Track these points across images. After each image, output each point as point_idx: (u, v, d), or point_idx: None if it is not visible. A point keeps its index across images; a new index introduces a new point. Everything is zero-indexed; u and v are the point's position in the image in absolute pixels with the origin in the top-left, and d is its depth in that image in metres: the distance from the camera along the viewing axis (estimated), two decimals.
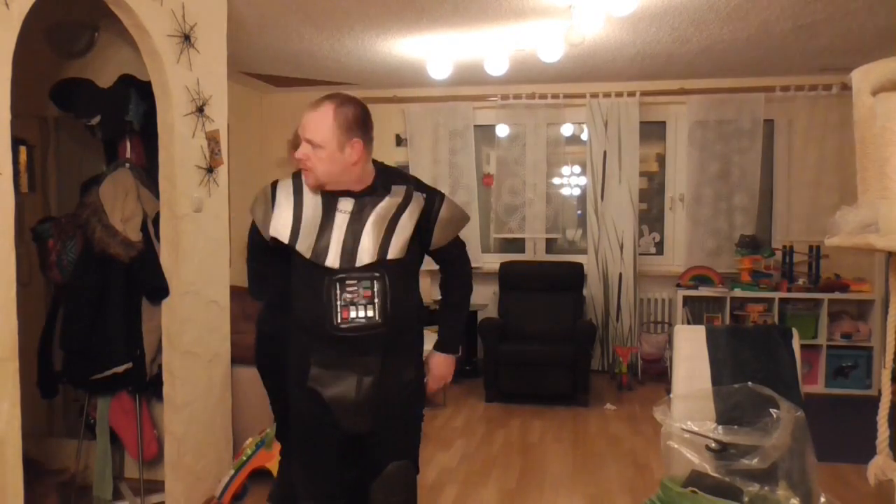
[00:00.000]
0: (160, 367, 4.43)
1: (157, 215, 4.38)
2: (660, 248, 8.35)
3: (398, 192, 2.82)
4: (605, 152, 8.01)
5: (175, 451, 4.40)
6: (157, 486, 4.59)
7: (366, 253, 2.72)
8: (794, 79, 7.67)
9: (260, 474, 4.59)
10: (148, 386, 4.49)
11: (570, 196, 8.62)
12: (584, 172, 8.33)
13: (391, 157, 8.21)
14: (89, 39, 4.79)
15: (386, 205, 2.78)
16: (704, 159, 7.94)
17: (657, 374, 7.80)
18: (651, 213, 8.41)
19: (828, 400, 7.10)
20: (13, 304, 3.09)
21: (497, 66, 6.28)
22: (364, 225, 2.75)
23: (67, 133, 5.00)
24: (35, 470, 4.72)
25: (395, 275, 2.76)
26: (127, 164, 4.42)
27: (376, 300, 2.72)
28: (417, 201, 2.84)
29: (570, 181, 8.55)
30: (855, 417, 6.23)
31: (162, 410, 4.46)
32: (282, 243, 2.79)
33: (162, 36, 4.13)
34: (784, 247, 7.65)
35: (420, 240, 2.88)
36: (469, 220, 3.12)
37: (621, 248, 7.98)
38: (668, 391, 3.57)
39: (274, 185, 2.90)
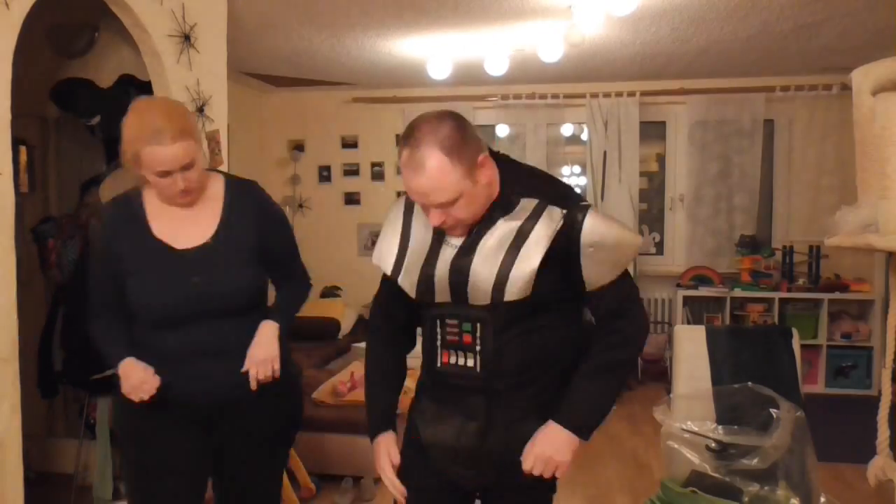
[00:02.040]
0: None
1: None
2: (660, 248, 8.34)
3: (524, 207, 2.14)
4: (604, 152, 8.00)
5: None
6: None
7: (478, 292, 2.12)
8: (795, 79, 7.66)
9: None
10: None
11: None
12: (583, 172, 8.33)
13: (391, 157, 8.22)
14: (89, 39, 4.79)
15: (502, 231, 2.13)
16: (704, 159, 7.93)
17: (657, 373, 7.79)
18: (651, 213, 8.41)
19: (828, 400, 7.09)
20: (13, 305, 3.09)
21: (497, 66, 6.28)
22: (472, 258, 2.13)
23: (67, 133, 5.00)
24: (35, 470, 4.72)
25: (514, 317, 2.15)
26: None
27: (478, 348, 2.17)
28: (551, 217, 2.11)
29: (570, 181, 8.54)
30: (855, 417, 6.21)
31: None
32: (385, 275, 2.33)
33: (162, 36, 4.12)
34: (784, 247, 7.65)
35: (565, 270, 2.16)
36: (638, 246, 2.34)
37: None
38: (668, 391, 3.58)
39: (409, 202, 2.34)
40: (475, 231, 2.16)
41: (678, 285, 7.78)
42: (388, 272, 2.28)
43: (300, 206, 8.55)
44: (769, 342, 3.52)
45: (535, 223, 2.11)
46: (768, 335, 3.64)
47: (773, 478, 2.99)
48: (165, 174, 2.46)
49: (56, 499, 4.62)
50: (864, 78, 1.95)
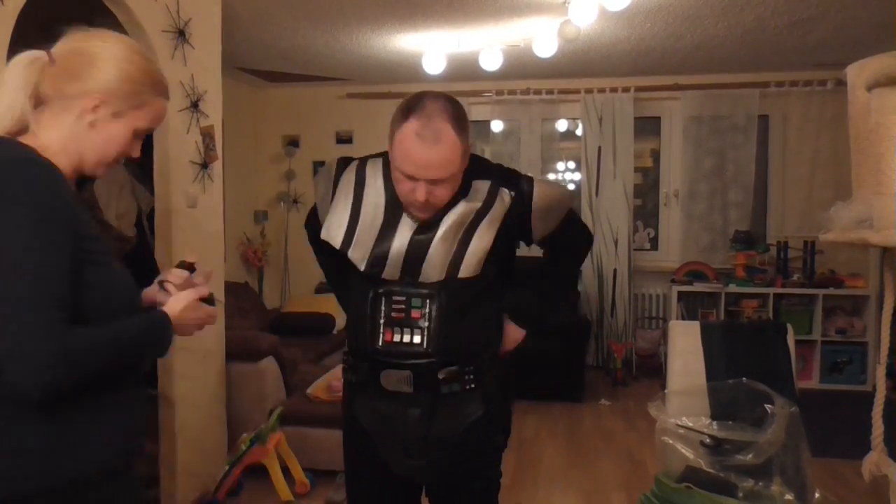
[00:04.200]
0: (154, 362, 4.42)
1: (152, 211, 4.37)
2: (654, 243, 8.35)
3: (479, 190, 2.23)
4: (599, 148, 8.01)
5: (170, 447, 4.40)
6: (151, 482, 4.58)
7: (433, 269, 2.18)
8: (789, 74, 7.67)
9: (255, 470, 4.59)
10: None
11: None
12: (578, 168, 8.34)
13: None
14: None
15: (462, 210, 2.20)
16: (699, 155, 7.94)
17: (652, 369, 7.80)
18: (645, 209, 8.41)
19: (822, 395, 7.10)
20: None
21: (491, 62, 6.27)
22: (434, 235, 2.18)
23: None
24: None
25: (459, 295, 2.21)
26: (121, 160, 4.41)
27: (426, 324, 2.18)
28: (502, 201, 2.23)
29: (565, 177, 8.55)
30: (849, 413, 6.21)
31: (156, 406, 4.46)
32: (333, 248, 2.30)
33: (156, 31, 4.12)
34: (779, 242, 7.66)
35: (509, 242, 2.32)
36: (572, 198, 2.45)
37: (616, 243, 7.98)
38: (663, 387, 3.58)
39: (341, 164, 2.38)
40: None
41: (673, 281, 7.79)
42: (338, 246, 2.27)
43: (295, 201, 8.54)
44: (764, 338, 3.52)
45: (491, 205, 2.22)
46: (763, 331, 3.65)
47: (768, 473, 2.99)
48: None
49: None
50: (858, 73, 1.95)
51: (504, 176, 2.31)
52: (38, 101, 1.72)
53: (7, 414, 1.58)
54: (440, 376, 2.21)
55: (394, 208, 2.23)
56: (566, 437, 5.96)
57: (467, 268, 2.19)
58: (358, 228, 2.25)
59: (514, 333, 2.45)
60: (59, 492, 1.61)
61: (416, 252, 2.19)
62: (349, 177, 2.33)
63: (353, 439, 2.42)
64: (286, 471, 4.68)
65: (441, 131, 2.06)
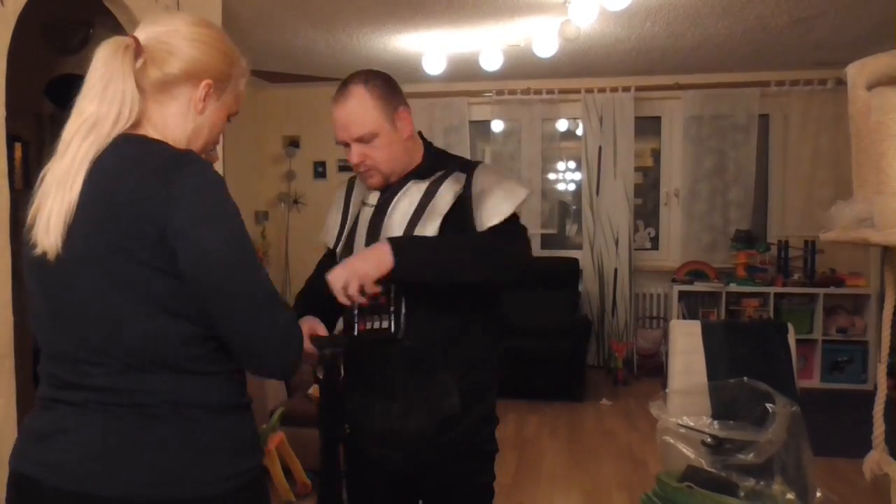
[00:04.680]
0: None
1: None
2: (655, 243, 8.36)
3: (435, 173, 2.28)
4: (600, 147, 8.01)
5: None
6: None
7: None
8: (790, 73, 7.67)
9: None
10: None
11: (565, 191, 8.63)
12: (578, 168, 8.34)
13: None
14: (84, 36, 4.78)
15: (415, 189, 2.25)
16: (699, 154, 7.94)
17: (653, 369, 7.80)
18: (646, 208, 8.42)
19: (823, 394, 7.10)
20: (9, 301, 3.09)
21: (492, 62, 6.28)
22: (385, 217, 2.24)
23: (63, 130, 4.98)
24: None
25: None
26: None
27: (392, 307, 2.14)
28: (456, 180, 2.25)
29: (565, 176, 8.56)
30: (851, 412, 6.19)
31: None
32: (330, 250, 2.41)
33: None
34: (779, 241, 7.67)
35: (466, 224, 2.23)
36: (524, 194, 2.30)
37: (616, 243, 7.98)
38: (664, 386, 3.58)
39: (340, 188, 2.51)
40: (389, 192, 2.28)
41: (673, 280, 7.79)
42: (331, 245, 2.40)
43: (295, 202, 8.54)
44: (765, 337, 3.52)
45: (441, 184, 2.25)
46: (764, 330, 3.65)
47: (769, 472, 2.99)
48: None
49: None
50: (859, 72, 1.95)
51: (466, 163, 2.35)
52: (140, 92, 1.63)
53: (198, 415, 1.58)
54: (325, 351, 2.11)
55: (363, 201, 2.36)
56: (567, 437, 5.97)
57: (421, 230, 2.18)
58: (345, 230, 2.38)
59: (363, 255, 2.15)
60: (242, 490, 1.62)
61: (373, 234, 2.25)
62: (342, 190, 2.49)
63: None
64: (287, 471, 4.68)
65: (350, 91, 2.20)
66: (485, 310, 2.37)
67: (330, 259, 2.39)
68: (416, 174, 2.29)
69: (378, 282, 2.07)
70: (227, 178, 5.04)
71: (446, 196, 2.23)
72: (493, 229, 2.21)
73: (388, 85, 2.25)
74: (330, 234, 2.43)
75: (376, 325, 2.16)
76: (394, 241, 2.09)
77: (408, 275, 2.09)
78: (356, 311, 2.16)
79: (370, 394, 2.27)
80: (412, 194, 2.25)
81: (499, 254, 2.21)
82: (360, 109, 2.19)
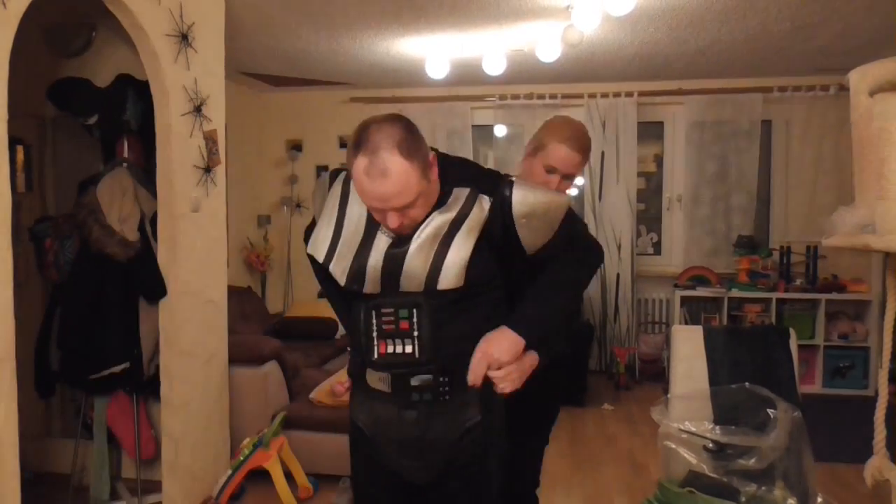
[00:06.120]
0: (157, 367, 4.42)
1: (155, 215, 4.38)
2: (657, 248, 8.35)
3: (458, 197, 2.20)
4: (602, 153, 8.00)
5: (172, 452, 4.40)
6: (154, 487, 4.59)
7: (411, 282, 2.17)
8: (792, 79, 7.67)
9: (257, 474, 4.59)
10: (145, 386, 4.49)
11: None
12: (581, 172, 8.31)
13: None
14: (87, 39, 4.79)
15: (437, 223, 2.17)
16: (702, 160, 7.94)
17: (655, 374, 7.80)
18: (649, 214, 8.41)
19: (825, 400, 7.10)
20: (10, 304, 3.09)
21: (495, 66, 6.28)
22: (407, 250, 2.16)
23: (65, 133, 4.99)
24: (32, 470, 4.72)
25: (448, 303, 2.18)
26: (124, 164, 4.42)
27: (415, 333, 2.18)
28: (480, 208, 2.19)
29: None
30: (852, 418, 6.23)
31: (159, 410, 4.46)
32: (317, 262, 2.34)
33: (159, 35, 4.12)
34: (781, 247, 7.66)
35: (501, 253, 2.24)
36: (567, 205, 2.36)
37: (619, 248, 7.98)
38: (666, 391, 3.57)
39: (333, 176, 2.41)
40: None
41: (676, 286, 7.79)
42: (321, 260, 2.29)
43: (298, 205, 8.55)
44: (767, 342, 3.52)
45: (468, 214, 2.18)
46: (766, 335, 3.64)
47: (771, 478, 2.99)
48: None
49: (53, 499, 4.62)
50: (861, 78, 1.95)
51: (485, 180, 2.26)
52: None
53: None
54: (413, 383, 2.22)
55: (373, 221, 2.22)
56: (569, 442, 5.96)
57: (446, 279, 2.15)
58: (340, 242, 2.27)
59: (498, 340, 2.24)
60: None
61: (392, 266, 2.18)
62: (336, 189, 2.35)
63: (356, 440, 2.44)
64: (289, 475, 4.68)
65: (387, 165, 2.01)
66: (498, 322, 2.30)
67: (325, 274, 2.35)
68: (438, 204, 2.20)
69: (399, 306, 2.17)
70: (230, 182, 5.06)
71: (474, 226, 2.18)
72: (547, 247, 2.29)
73: (415, 137, 2.09)
74: (319, 249, 2.31)
75: (398, 349, 2.20)
76: (516, 327, 2.22)
77: (534, 342, 2.27)
78: (375, 335, 2.22)
79: (388, 402, 2.28)
80: (436, 223, 2.17)
81: (580, 268, 2.43)
82: (404, 184, 2.04)
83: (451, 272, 2.15)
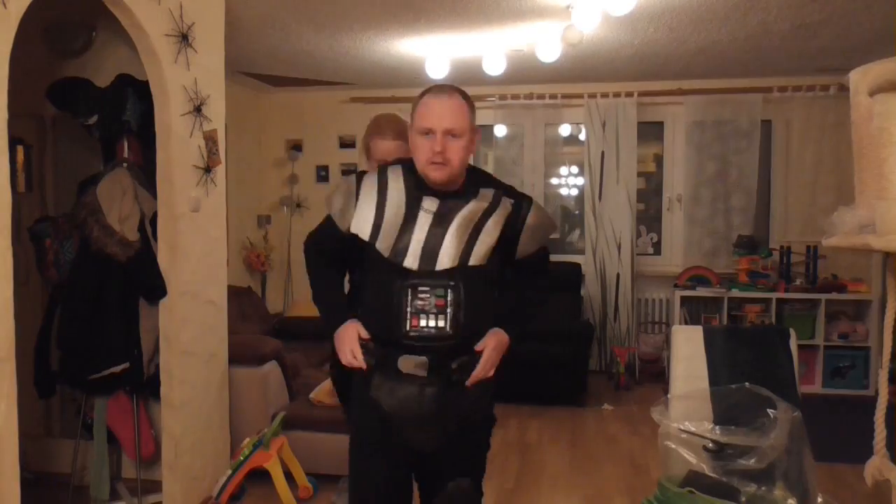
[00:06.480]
0: (157, 367, 4.42)
1: (155, 215, 4.37)
2: (657, 248, 8.35)
3: (485, 195, 2.64)
4: (602, 153, 8.01)
5: (172, 452, 4.40)
6: (154, 487, 4.59)
7: (447, 257, 2.55)
8: (792, 79, 7.67)
9: (257, 474, 4.59)
10: (145, 386, 4.49)
11: (567, 196, 8.63)
12: (581, 173, 8.33)
13: None
14: (87, 39, 4.79)
15: (472, 208, 2.60)
16: (702, 160, 7.94)
17: (655, 374, 7.80)
18: (649, 214, 8.42)
19: (825, 400, 7.10)
20: (10, 304, 3.09)
21: (495, 67, 6.28)
22: (448, 228, 2.56)
23: (65, 132, 4.99)
24: (32, 470, 4.72)
25: (472, 284, 2.58)
26: (124, 164, 4.42)
27: (449, 310, 2.54)
28: (504, 207, 2.65)
29: (568, 181, 8.56)
30: (852, 418, 6.22)
31: (159, 410, 4.46)
32: (361, 240, 2.64)
33: (159, 35, 4.12)
34: (781, 247, 7.66)
35: (504, 248, 2.67)
36: (557, 229, 2.89)
37: (619, 248, 7.98)
38: (666, 391, 3.58)
39: (359, 177, 2.73)
40: (449, 207, 2.60)
41: (676, 286, 7.79)
42: (367, 238, 2.62)
43: (298, 205, 8.55)
44: (766, 342, 3.52)
45: (495, 209, 2.64)
46: (766, 335, 3.64)
47: (771, 478, 2.99)
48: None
49: (53, 499, 4.62)
50: (861, 78, 1.95)
51: (509, 190, 2.73)
52: None
53: None
54: (453, 366, 2.59)
55: (412, 208, 2.60)
56: (569, 442, 5.96)
57: (476, 257, 2.56)
58: (383, 224, 2.60)
59: (503, 339, 2.71)
60: None
61: (433, 243, 2.56)
62: (371, 181, 2.69)
63: (366, 415, 2.71)
64: (289, 475, 4.68)
65: (452, 93, 2.58)
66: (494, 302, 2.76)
67: (338, 238, 2.74)
68: (469, 192, 2.64)
69: (436, 286, 2.55)
70: (230, 182, 5.06)
71: (499, 220, 2.63)
72: (531, 257, 2.78)
73: (473, 105, 2.64)
74: (363, 227, 2.63)
75: (430, 323, 2.54)
76: (510, 332, 2.71)
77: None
78: (409, 311, 2.55)
79: (410, 381, 2.59)
80: (472, 211, 2.59)
81: (540, 284, 2.95)
82: (460, 109, 2.57)
83: (481, 251, 2.58)
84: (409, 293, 2.55)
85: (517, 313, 2.83)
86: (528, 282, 2.89)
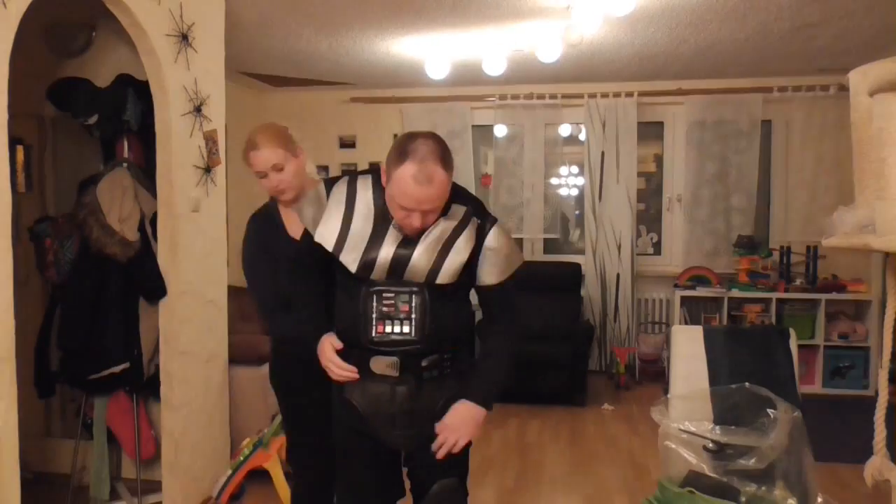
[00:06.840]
0: (157, 366, 4.42)
1: (155, 215, 4.38)
2: (657, 248, 8.35)
3: (456, 212, 2.56)
4: (602, 153, 8.01)
5: (172, 451, 4.40)
6: (154, 486, 4.59)
7: (415, 276, 2.53)
8: (792, 80, 7.67)
9: (257, 474, 4.58)
10: (145, 386, 4.49)
11: (567, 196, 8.62)
12: (581, 173, 8.33)
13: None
14: (87, 39, 4.79)
15: (443, 226, 2.53)
16: (702, 160, 7.94)
17: (655, 374, 7.80)
18: (649, 214, 8.42)
19: (825, 400, 7.10)
20: (10, 304, 3.09)
21: (495, 67, 6.28)
22: (413, 250, 2.51)
23: (65, 132, 4.99)
24: (32, 470, 4.72)
25: (439, 292, 2.56)
26: (124, 164, 4.42)
27: (414, 315, 2.55)
28: (473, 226, 2.57)
29: (568, 181, 8.55)
30: (852, 418, 6.23)
31: (159, 410, 4.46)
32: (325, 251, 2.60)
33: (160, 35, 4.12)
34: (781, 247, 7.66)
35: (470, 269, 2.60)
36: (523, 262, 2.73)
37: (619, 248, 7.98)
38: (666, 391, 3.57)
39: (328, 184, 2.68)
40: None
41: (676, 286, 7.79)
42: (331, 248, 2.58)
43: None
44: (766, 342, 3.52)
45: (466, 226, 2.56)
46: (766, 335, 3.64)
47: (771, 478, 2.99)
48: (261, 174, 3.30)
49: (53, 499, 4.62)
50: (861, 79, 1.95)
51: (478, 209, 2.65)
52: None
53: None
54: (423, 364, 2.61)
55: (381, 222, 2.56)
56: (569, 442, 5.96)
57: (444, 275, 2.54)
58: (349, 235, 2.57)
59: (462, 414, 2.67)
60: None
61: (400, 262, 2.53)
62: (340, 189, 2.65)
63: (343, 416, 2.75)
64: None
65: (433, 173, 2.37)
66: (467, 309, 2.83)
67: (314, 257, 2.70)
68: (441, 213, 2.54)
69: (400, 292, 2.55)
70: (230, 182, 5.06)
71: (469, 238, 2.55)
72: (492, 290, 2.66)
73: (449, 152, 2.48)
74: (328, 240, 2.59)
75: (395, 329, 2.56)
76: (481, 403, 2.66)
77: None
78: (374, 316, 2.56)
79: (382, 382, 2.62)
80: (442, 229, 2.53)
81: (514, 343, 2.79)
82: (441, 192, 2.43)
83: (449, 271, 2.54)
84: (374, 299, 2.56)
85: (490, 374, 2.74)
86: (490, 326, 2.79)
